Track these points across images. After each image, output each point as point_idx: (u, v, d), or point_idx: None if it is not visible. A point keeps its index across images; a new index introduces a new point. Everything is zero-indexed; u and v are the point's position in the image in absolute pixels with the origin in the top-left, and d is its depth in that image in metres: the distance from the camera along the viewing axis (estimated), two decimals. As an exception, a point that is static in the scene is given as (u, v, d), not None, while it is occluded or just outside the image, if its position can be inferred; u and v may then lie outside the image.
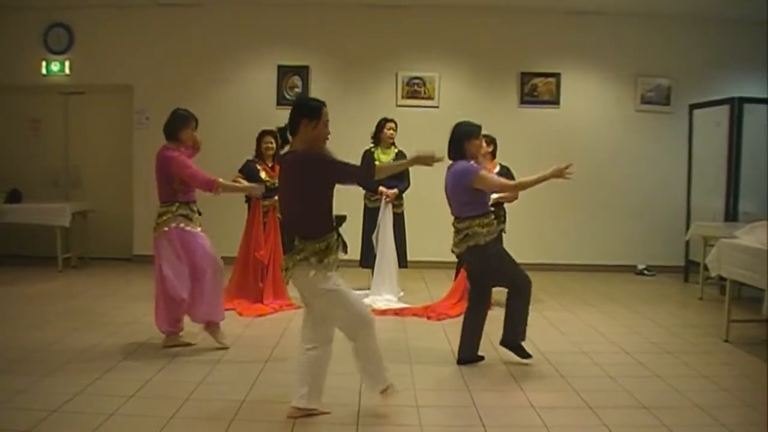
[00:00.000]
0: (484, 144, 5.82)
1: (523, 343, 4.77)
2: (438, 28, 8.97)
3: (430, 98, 9.03)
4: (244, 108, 8.85)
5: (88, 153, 9.29)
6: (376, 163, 6.57)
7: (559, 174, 4.48)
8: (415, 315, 6.26)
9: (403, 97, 9.02)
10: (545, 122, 9.04)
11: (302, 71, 9.01)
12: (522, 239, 7.33)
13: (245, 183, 6.05)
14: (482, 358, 4.81)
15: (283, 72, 9.01)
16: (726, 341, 5.47)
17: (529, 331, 4.83)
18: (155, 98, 8.65)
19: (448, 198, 4.79)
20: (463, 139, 4.69)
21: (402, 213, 6.93)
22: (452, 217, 4.79)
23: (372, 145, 6.88)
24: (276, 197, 5.83)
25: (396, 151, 6.85)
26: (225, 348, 5.02)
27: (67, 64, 9.05)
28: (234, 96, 9.00)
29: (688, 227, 8.25)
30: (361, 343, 3.70)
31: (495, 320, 4.90)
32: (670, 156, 9.04)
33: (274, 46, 9.03)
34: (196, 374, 4.39)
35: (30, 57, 9.01)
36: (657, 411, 3.87)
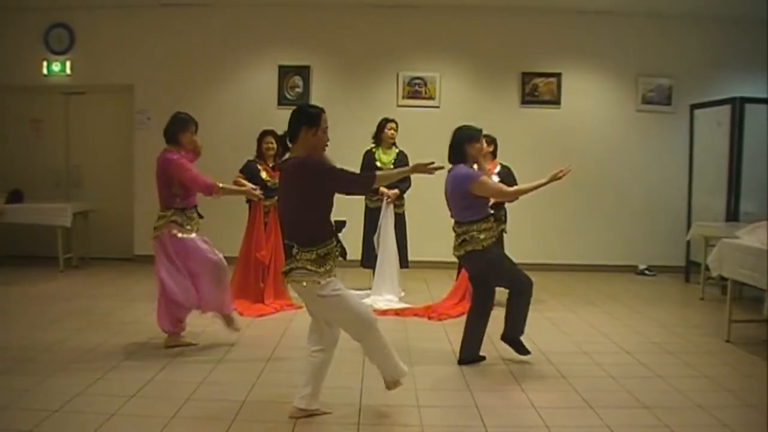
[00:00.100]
0: (485, 144, 5.81)
1: (523, 341, 4.79)
2: (439, 28, 8.97)
3: (431, 98, 9.03)
4: (244, 108, 8.86)
5: (89, 153, 9.30)
6: (378, 165, 6.66)
7: (556, 179, 4.57)
8: (416, 315, 6.26)
9: (404, 97, 9.02)
10: (546, 122, 9.04)
11: (303, 71, 9.01)
12: (523, 239, 7.35)
13: (246, 184, 6.06)
14: (483, 358, 4.82)
15: (284, 72, 9.01)
16: (727, 341, 5.46)
17: (531, 331, 4.85)
18: (156, 98, 8.68)
19: (447, 202, 4.79)
20: (464, 143, 4.69)
21: (403, 213, 6.93)
22: (452, 219, 4.80)
23: (373, 145, 6.89)
24: (277, 197, 5.82)
25: (397, 151, 6.85)
26: (237, 330, 5.20)
27: (68, 64, 9.07)
28: (235, 96, 9.01)
29: (689, 227, 8.25)
30: (367, 343, 3.74)
31: (497, 320, 4.90)
32: (671, 156, 9.03)
33: (275, 46, 9.03)
34: (197, 374, 4.39)
35: (31, 57, 9.02)
36: (658, 411, 3.87)
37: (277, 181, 5.49)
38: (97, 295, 6.94)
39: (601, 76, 9.13)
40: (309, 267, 3.56)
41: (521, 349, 4.80)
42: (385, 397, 3.86)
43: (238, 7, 8.91)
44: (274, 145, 6.40)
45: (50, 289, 7.27)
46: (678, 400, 4.10)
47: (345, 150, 4.03)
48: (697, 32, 9.00)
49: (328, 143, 3.72)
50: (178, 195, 4.91)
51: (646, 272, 8.94)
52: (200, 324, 5.40)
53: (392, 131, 6.85)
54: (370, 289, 6.75)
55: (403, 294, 6.88)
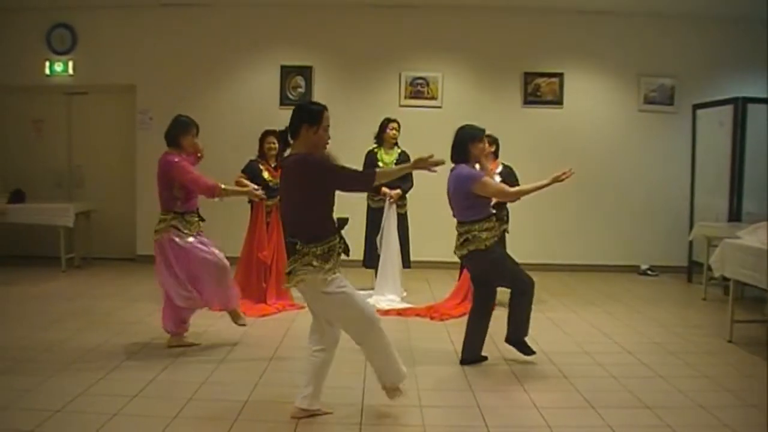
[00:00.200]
0: (487, 144, 5.81)
1: (527, 341, 4.79)
2: (441, 28, 8.97)
3: (433, 98, 9.04)
4: (246, 108, 8.87)
5: (91, 153, 9.31)
6: (380, 165, 6.65)
7: (557, 181, 4.58)
8: (418, 315, 6.26)
9: (406, 97, 9.02)
10: (548, 122, 9.04)
11: (305, 71, 9.01)
12: (525, 239, 7.35)
13: (249, 184, 6.06)
14: (485, 358, 4.82)
15: (286, 72, 9.02)
16: (729, 341, 5.46)
17: (532, 332, 4.84)
18: (158, 98, 8.69)
19: (449, 201, 4.79)
20: (467, 142, 4.68)
21: (405, 213, 6.93)
22: (455, 219, 4.79)
23: (375, 145, 6.89)
24: (279, 197, 5.83)
25: (399, 151, 6.85)
26: (244, 325, 5.23)
27: (70, 64, 9.08)
28: (237, 96, 9.01)
29: (691, 227, 8.25)
30: (370, 344, 3.69)
31: (498, 320, 4.90)
32: (673, 156, 9.03)
33: (277, 47, 9.03)
34: (199, 374, 4.39)
35: (33, 57, 9.03)
36: (660, 411, 3.87)
37: (278, 180, 5.50)
38: (99, 295, 6.95)
39: (604, 76, 9.12)
40: (314, 263, 3.55)
41: (526, 350, 4.79)
42: (386, 398, 3.85)
43: (240, 7, 8.91)
44: (276, 145, 6.39)
45: (52, 289, 7.28)
46: (679, 400, 4.10)
47: (347, 150, 4.02)
48: (699, 32, 8.99)
49: (329, 142, 3.71)
50: (179, 198, 4.91)
51: (648, 272, 8.93)
52: (202, 324, 5.41)
53: (394, 131, 6.85)
54: (372, 289, 6.75)
55: (405, 294, 6.88)
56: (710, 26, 8.94)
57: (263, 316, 6.13)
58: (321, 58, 9.03)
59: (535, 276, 4.79)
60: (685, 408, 3.96)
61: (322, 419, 3.68)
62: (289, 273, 3.66)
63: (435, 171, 3.76)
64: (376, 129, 6.93)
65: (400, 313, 6.30)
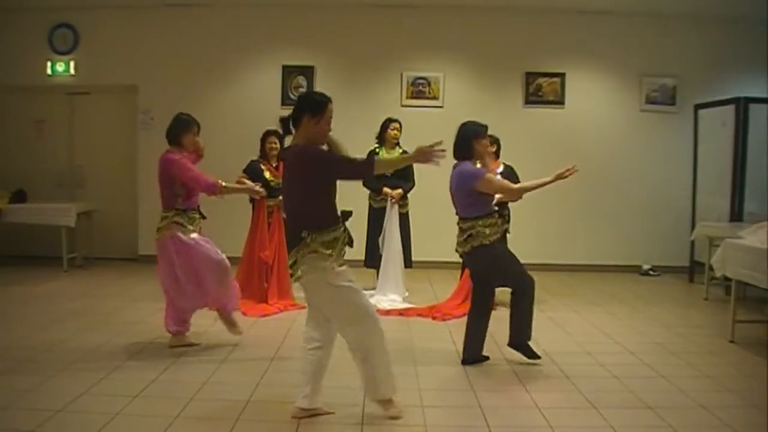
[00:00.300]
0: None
1: (530, 343, 4.77)
2: (442, 29, 8.97)
3: (434, 98, 9.04)
4: (248, 108, 8.87)
5: (92, 153, 9.32)
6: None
7: (561, 178, 4.57)
8: (419, 315, 6.26)
9: (407, 97, 9.02)
10: (550, 122, 9.03)
11: (307, 71, 9.01)
12: (526, 239, 7.33)
13: (249, 182, 6.06)
14: (487, 358, 4.81)
15: (288, 72, 9.02)
16: (731, 342, 5.46)
17: (534, 332, 4.82)
18: (160, 98, 8.69)
19: (452, 198, 4.78)
20: (471, 139, 4.67)
21: (407, 213, 6.93)
22: (457, 218, 4.79)
23: (376, 145, 6.88)
24: (280, 197, 5.83)
25: (400, 151, 6.84)
26: (239, 333, 5.19)
27: (72, 64, 9.08)
28: (238, 96, 9.01)
29: (693, 227, 8.24)
30: (369, 346, 3.61)
31: (500, 320, 4.90)
32: (675, 156, 9.02)
33: (278, 46, 9.03)
34: (200, 374, 4.39)
35: (35, 57, 9.04)
36: (662, 411, 3.86)
37: (280, 181, 5.50)
38: (101, 294, 6.96)
39: (605, 76, 9.12)
40: (319, 249, 3.51)
41: (530, 353, 4.75)
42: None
43: (241, 7, 8.92)
44: (278, 145, 6.39)
45: (53, 289, 7.28)
46: (681, 400, 4.10)
47: (348, 150, 4.02)
48: (701, 32, 8.98)
49: (330, 132, 3.69)
50: (180, 195, 4.91)
51: (650, 272, 8.92)
52: (204, 324, 5.41)
53: (395, 131, 6.85)
54: (374, 289, 6.75)
55: (407, 294, 6.87)
56: (711, 26, 8.93)
57: (264, 316, 6.13)
58: (323, 58, 9.03)
59: (536, 276, 4.77)
60: (687, 408, 3.96)
61: (324, 419, 3.68)
62: (294, 263, 3.59)
63: (438, 164, 3.59)
64: (378, 129, 6.93)
65: (401, 313, 6.30)
